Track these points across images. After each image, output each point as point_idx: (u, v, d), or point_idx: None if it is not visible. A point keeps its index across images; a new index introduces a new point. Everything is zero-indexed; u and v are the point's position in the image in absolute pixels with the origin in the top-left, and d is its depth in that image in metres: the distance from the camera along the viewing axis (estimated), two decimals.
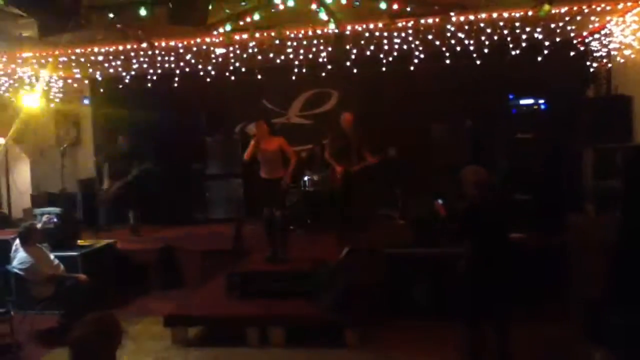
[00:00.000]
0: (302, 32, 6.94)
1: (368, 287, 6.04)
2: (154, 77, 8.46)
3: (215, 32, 6.05)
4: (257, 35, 6.74)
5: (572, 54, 7.69)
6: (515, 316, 4.81)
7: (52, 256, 6.16)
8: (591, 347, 4.64)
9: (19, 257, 5.84)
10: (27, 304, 5.93)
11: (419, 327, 5.64)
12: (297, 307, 5.73)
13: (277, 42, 7.09)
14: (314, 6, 5.12)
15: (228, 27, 5.61)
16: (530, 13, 6.35)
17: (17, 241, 5.99)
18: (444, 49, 7.37)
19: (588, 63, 7.93)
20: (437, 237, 6.11)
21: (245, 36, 6.71)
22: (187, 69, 8.28)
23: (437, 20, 6.42)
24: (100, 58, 7.79)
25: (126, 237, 8.32)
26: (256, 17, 5.38)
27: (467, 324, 4.59)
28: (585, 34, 7.73)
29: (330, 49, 7.45)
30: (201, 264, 7.49)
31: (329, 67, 8.04)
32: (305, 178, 8.59)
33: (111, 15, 5.29)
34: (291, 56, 7.72)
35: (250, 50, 7.44)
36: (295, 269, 6.37)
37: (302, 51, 7.57)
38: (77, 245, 6.93)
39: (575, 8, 6.45)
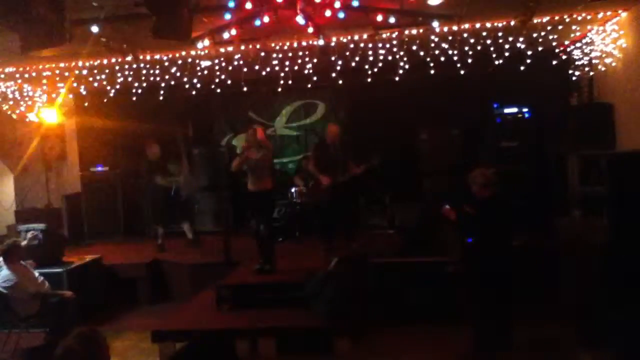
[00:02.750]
0: (287, 44, 6.98)
1: (358, 295, 6.04)
2: (139, 91, 8.42)
3: (199, 45, 6.05)
4: (242, 47, 6.76)
5: (554, 62, 7.79)
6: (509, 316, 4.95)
7: (36, 273, 6.07)
8: (582, 348, 4.69)
9: (3, 275, 5.74)
10: (12, 322, 5.83)
11: (408, 334, 5.67)
12: (287, 317, 5.72)
13: (262, 54, 7.11)
14: (298, 18, 5.14)
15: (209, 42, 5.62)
16: (512, 23, 6.44)
17: (0, 259, 5.89)
18: (428, 59, 7.44)
19: (570, 71, 8.04)
20: (426, 244, 6.19)
21: (230, 49, 6.73)
22: (173, 82, 8.26)
23: (421, 31, 6.49)
24: (85, 72, 7.76)
25: (113, 251, 8.24)
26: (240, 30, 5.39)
27: (471, 317, 4.82)
28: (567, 43, 7.85)
29: (315, 60, 7.48)
30: (189, 276, 7.44)
31: (315, 78, 8.07)
32: (293, 190, 8.58)
33: (95, 29, 5.26)
34: (277, 68, 7.73)
35: (235, 63, 7.45)
36: (284, 279, 6.36)
37: (287, 63, 7.60)
38: (63, 262, 6.85)
39: (556, 17, 6.55)
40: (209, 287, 6.58)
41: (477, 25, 6.66)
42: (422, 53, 7.28)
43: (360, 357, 5.26)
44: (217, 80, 8.16)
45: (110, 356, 2.68)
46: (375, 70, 7.73)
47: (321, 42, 6.28)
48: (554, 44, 7.56)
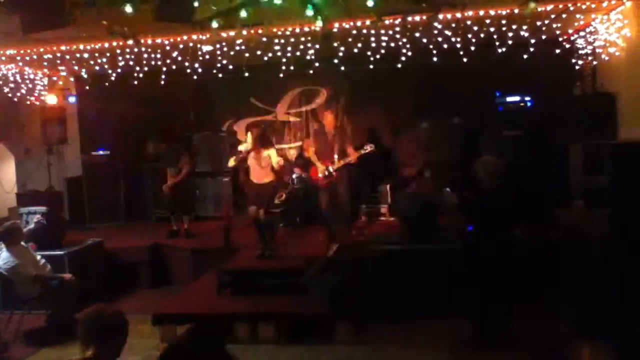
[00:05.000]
0: (290, 29, 6.93)
1: (358, 282, 6.06)
2: (141, 75, 8.39)
3: (201, 29, 6.00)
4: (244, 32, 6.71)
5: (557, 51, 7.74)
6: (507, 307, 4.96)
7: (38, 256, 6.10)
8: (583, 342, 4.70)
9: (3, 257, 5.76)
10: (13, 303, 5.87)
11: (407, 322, 5.68)
12: (287, 303, 5.75)
13: (264, 39, 7.07)
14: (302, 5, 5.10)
15: (215, 25, 5.56)
16: (516, 11, 6.40)
17: (1, 241, 5.92)
18: (431, 46, 7.39)
19: (574, 60, 7.99)
20: (427, 233, 6.19)
21: (232, 33, 6.68)
22: (174, 67, 8.23)
23: (424, 17, 6.43)
24: (86, 55, 7.73)
25: (114, 235, 8.26)
26: (243, 14, 5.33)
27: (471, 309, 5.00)
28: (570, 31, 7.79)
29: (317, 46, 7.44)
30: (190, 261, 7.48)
31: (317, 64, 8.02)
32: (294, 176, 8.59)
33: (96, 11, 5.23)
34: (279, 53, 7.69)
35: (237, 48, 7.41)
36: (285, 265, 6.40)
37: (289, 48, 7.55)
38: (64, 245, 6.87)
39: (560, 6, 6.50)
40: (210, 272, 6.62)
41: (481, 13, 6.61)
42: (425, 40, 7.23)
43: (360, 345, 5.29)
44: (218, 65, 8.12)
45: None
46: (378, 57, 7.68)
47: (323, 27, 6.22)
48: (558, 32, 7.51)
